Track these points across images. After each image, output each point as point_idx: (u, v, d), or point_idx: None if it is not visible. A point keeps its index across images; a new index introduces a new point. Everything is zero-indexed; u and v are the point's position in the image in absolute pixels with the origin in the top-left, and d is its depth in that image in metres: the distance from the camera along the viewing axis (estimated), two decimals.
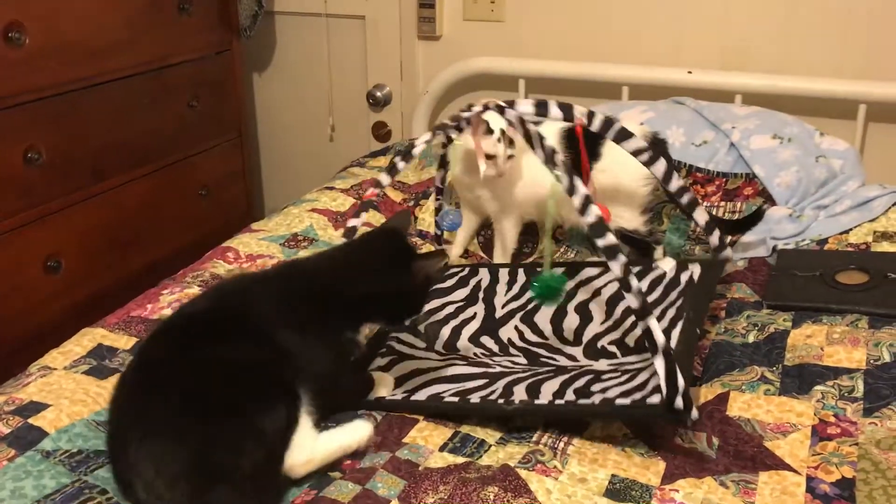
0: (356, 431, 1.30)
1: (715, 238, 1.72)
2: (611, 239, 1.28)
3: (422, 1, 2.71)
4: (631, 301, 1.27)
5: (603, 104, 2.41)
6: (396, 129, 2.92)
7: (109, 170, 2.29)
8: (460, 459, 1.30)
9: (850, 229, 1.93)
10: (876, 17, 2.24)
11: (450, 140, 1.64)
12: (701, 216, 1.69)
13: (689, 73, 2.38)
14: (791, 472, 1.27)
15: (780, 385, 1.46)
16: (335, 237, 2.00)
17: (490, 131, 1.73)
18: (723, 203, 2.09)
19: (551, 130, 1.83)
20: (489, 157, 1.75)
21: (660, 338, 1.25)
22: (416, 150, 1.60)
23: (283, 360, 1.23)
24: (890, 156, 2.31)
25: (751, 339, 1.61)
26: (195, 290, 1.72)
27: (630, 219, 1.87)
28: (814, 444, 1.32)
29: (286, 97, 3.07)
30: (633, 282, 1.26)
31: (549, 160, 1.38)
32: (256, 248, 1.91)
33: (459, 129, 1.63)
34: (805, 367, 1.50)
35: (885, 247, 1.86)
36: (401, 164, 1.60)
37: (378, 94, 2.88)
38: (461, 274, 1.84)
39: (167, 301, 1.69)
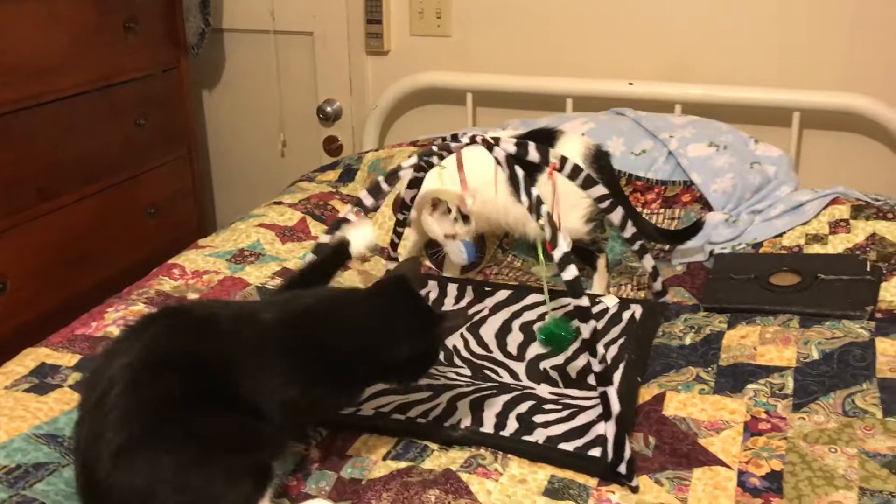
0: None
1: (658, 284, 1.80)
2: (584, 301, 1.30)
3: (369, 17, 2.74)
4: (594, 365, 1.29)
5: (548, 116, 2.46)
6: (347, 143, 2.94)
7: (56, 189, 2.28)
8: (403, 464, 1.33)
9: (784, 233, 2.00)
10: (809, 28, 2.33)
11: (430, 164, 1.65)
12: (648, 262, 1.77)
13: (631, 84, 2.44)
14: (723, 467, 1.31)
15: (714, 384, 1.51)
16: (282, 252, 2.01)
17: (448, 210, 1.78)
18: (662, 210, 2.14)
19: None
20: (448, 236, 1.81)
21: (615, 407, 1.29)
22: (403, 174, 1.61)
23: (264, 425, 1.17)
24: (823, 161, 2.39)
25: (688, 341, 1.66)
26: (140, 308, 1.73)
27: (574, 228, 1.91)
28: (745, 440, 1.37)
29: (236, 114, 3.07)
30: (600, 349, 1.29)
31: (535, 209, 1.38)
32: (203, 264, 1.92)
33: (441, 157, 1.63)
34: (738, 366, 1.55)
35: (817, 249, 1.93)
36: (385, 186, 1.60)
37: (328, 109, 2.90)
38: None
39: (112, 318, 1.69)
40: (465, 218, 1.83)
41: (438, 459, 1.34)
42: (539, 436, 1.36)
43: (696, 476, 1.30)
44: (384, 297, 1.31)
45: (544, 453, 1.33)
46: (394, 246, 1.90)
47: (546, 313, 1.63)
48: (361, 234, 1.47)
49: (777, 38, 2.36)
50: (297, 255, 2.00)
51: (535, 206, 1.39)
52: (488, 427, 1.38)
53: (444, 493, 1.23)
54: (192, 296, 1.79)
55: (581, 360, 1.59)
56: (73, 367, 1.54)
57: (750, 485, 1.27)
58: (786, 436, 1.36)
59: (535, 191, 1.41)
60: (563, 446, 1.34)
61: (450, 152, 1.61)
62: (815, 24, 2.32)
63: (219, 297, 1.78)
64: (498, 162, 1.50)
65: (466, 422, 1.39)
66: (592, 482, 1.29)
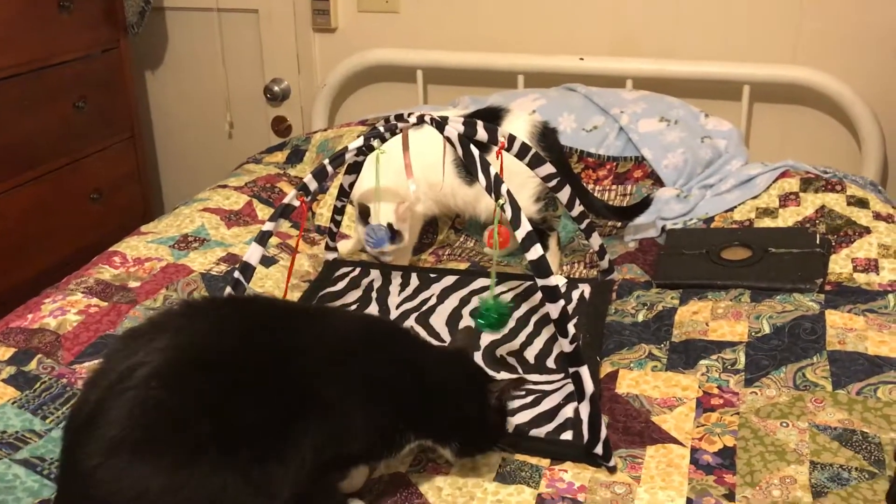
0: None
1: (605, 262, 1.79)
2: (552, 281, 1.25)
3: None
4: (565, 346, 1.26)
5: (499, 93, 2.42)
6: (297, 123, 2.88)
7: None
8: None
9: (735, 207, 2.00)
10: (759, 1, 2.32)
11: (370, 148, 1.58)
12: (595, 241, 1.75)
13: (581, 59, 2.42)
14: (676, 444, 1.30)
15: (667, 361, 1.50)
16: (228, 237, 1.95)
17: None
18: (614, 186, 2.13)
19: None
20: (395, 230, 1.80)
21: (589, 386, 1.25)
22: (349, 156, 1.56)
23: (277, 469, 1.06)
24: (773, 134, 2.40)
25: (640, 318, 1.65)
26: (78, 297, 1.66)
27: (523, 207, 1.88)
28: (698, 416, 1.36)
29: (181, 95, 2.99)
30: (571, 328, 1.25)
31: (495, 188, 1.34)
32: (145, 251, 1.86)
33: (384, 139, 1.57)
34: (691, 342, 1.55)
35: (767, 222, 1.93)
36: (330, 169, 1.55)
37: (276, 88, 2.83)
38: (352, 275, 1.83)
39: (49, 310, 1.62)
40: (395, 235, 1.81)
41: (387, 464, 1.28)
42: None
43: (650, 454, 1.29)
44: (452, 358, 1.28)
45: (517, 443, 1.30)
46: (331, 235, 1.85)
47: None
48: None
49: (727, 12, 2.35)
50: (244, 240, 1.94)
51: (494, 186, 1.34)
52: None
53: None
54: (134, 284, 1.73)
55: (537, 344, 1.57)
56: (7, 360, 1.48)
57: (703, 462, 1.26)
58: (738, 411, 1.36)
59: (492, 170, 1.37)
60: (533, 433, 1.32)
61: (395, 133, 1.56)
62: None
63: (160, 284, 1.73)
64: (450, 142, 1.46)
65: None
66: (544, 462, 1.27)
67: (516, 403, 1.39)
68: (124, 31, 2.65)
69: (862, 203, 1.91)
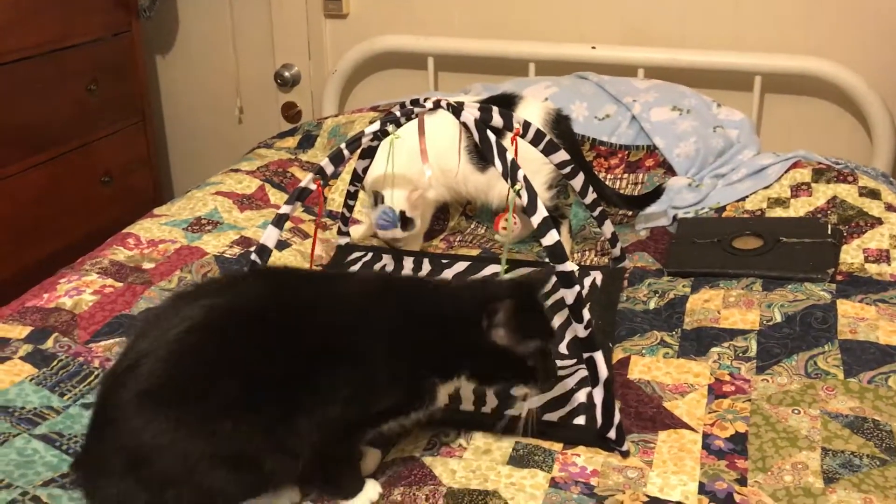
0: None
1: (617, 250, 1.80)
2: (568, 266, 1.26)
3: None
4: (579, 331, 1.26)
5: (510, 80, 2.42)
6: (307, 109, 2.88)
7: (2, 159, 2.19)
8: None
9: (746, 196, 2.00)
10: None
11: (385, 133, 1.59)
12: (608, 228, 1.76)
13: (593, 48, 2.41)
14: (688, 430, 1.31)
15: (678, 348, 1.51)
16: (240, 220, 1.96)
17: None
18: (626, 175, 2.13)
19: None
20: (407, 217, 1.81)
21: (603, 371, 1.26)
22: (365, 140, 1.57)
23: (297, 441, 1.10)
24: (784, 124, 2.40)
25: (652, 305, 1.66)
26: (94, 278, 1.67)
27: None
28: (710, 403, 1.37)
29: (191, 79, 2.99)
30: (586, 314, 1.26)
31: (511, 174, 1.34)
32: (158, 233, 1.87)
33: (399, 124, 1.58)
34: (702, 330, 1.55)
35: (779, 212, 1.93)
36: (346, 153, 1.55)
37: (286, 73, 2.84)
38: (364, 259, 1.83)
39: (64, 290, 1.63)
40: (408, 222, 1.81)
41: (401, 445, 1.30)
42: (520, 409, 1.33)
43: (662, 439, 1.29)
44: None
45: (530, 427, 1.29)
46: (344, 220, 1.85)
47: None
48: None
49: (739, 2, 2.34)
50: (256, 224, 1.95)
51: (510, 172, 1.35)
52: (468, 405, 1.34)
53: (407, 487, 1.19)
54: (148, 266, 1.74)
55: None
56: (24, 339, 1.49)
57: (715, 447, 1.27)
58: (750, 398, 1.37)
59: (509, 155, 1.37)
60: (546, 417, 1.32)
61: (410, 118, 1.57)
62: None
63: (175, 266, 1.74)
64: (466, 127, 1.46)
65: (444, 400, 1.33)
66: (557, 446, 1.28)
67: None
68: (136, 14, 2.66)
69: (874, 194, 1.92)
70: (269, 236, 1.48)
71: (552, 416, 1.33)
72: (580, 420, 1.31)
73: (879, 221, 1.83)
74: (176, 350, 1.06)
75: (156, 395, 1.03)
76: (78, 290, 1.63)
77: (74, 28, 2.41)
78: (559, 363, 1.47)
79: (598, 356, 1.26)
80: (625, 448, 1.26)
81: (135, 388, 1.04)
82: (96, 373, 1.42)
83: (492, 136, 1.40)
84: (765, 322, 1.55)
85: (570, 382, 1.38)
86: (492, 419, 1.32)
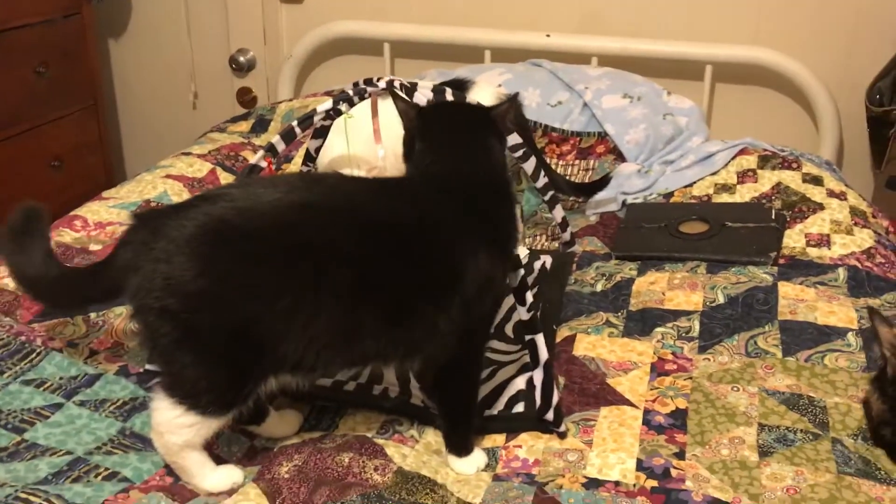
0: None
1: (567, 234, 1.81)
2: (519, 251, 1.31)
3: None
4: (522, 314, 1.29)
5: (465, 67, 2.43)
6: (262, 94, 2.86)
7: None
8: (316, 434, 1.29)
9: (694, 182, 2.03)
10: None
11: (338, 112, 1.58)
12: (558, 213, 1.77)
13: (548, 36, 2.43)
14: (630, 406, 1.33)
15: (623, 328, 1.54)
16: None
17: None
18: (577, 161, 2.16)
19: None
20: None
21: (543, 353, 1.28)
22: (317, 119, 1.56)
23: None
24: (734, 114, 2.44)
25: (599, 287, 1.68)
26: None
27: None
28: (652, 380, 1.40)
29: (145, 64, 2.95)
30: (529, 297, 1.28)
31: None
32: (106, 215, 1.85)
33: (352, 103, 1.57)
34: (647, 311, 1.58)
35: (725, 198, 1.97)
36: (298, 131, 1.55)
37: (241, 59, 2.81)
38: None
39: (3, 273, 1.60)
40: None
41: (352, 420, 1.31)
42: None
43: (603, 414, 1.32)
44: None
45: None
46: None
47: None
48: None
49: None
50: None
51: None
52: (417, 399, 1.34)
53: (358, 455, 1.20)
54: (95, 248, 1.72)
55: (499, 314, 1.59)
56: None
57: (655, 423, 1.30)
58: (691, 376, 1.40)
59: None
60: (487, 413, 1.32)
61: (363, 97, 1.57)
62: None
63: None
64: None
65: (395, 390, 1.35)
66: (500, 441, 1.28)
67: None
68: None
69: (816, 181, 1.96)
70: None
71: (492, 410, 1.33)
72: (519, 408, 1.32)
73: (821, 207, 1.87)
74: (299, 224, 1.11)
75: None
76: None
77: (22, 8, 2.37)
78: (503, 347, 1.48)
79: (539, 339, 1.29)
80: (562, 429, 1.27)
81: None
82: (38, 350, 1.41)
83: None
84: (708, 303, 1.59)
85: (512, 370, 1.39)
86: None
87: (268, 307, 1.08)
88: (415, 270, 1.14)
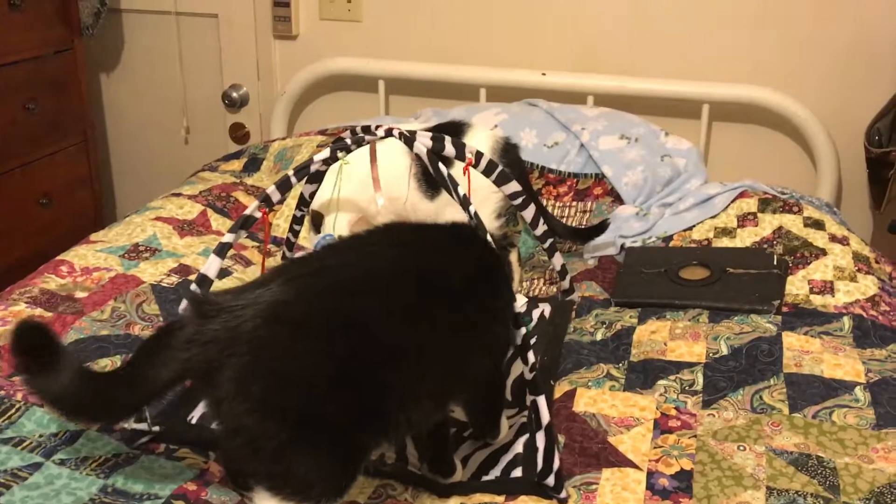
0: None
1: (566, 282, 1.78)
2: (516, 307, 1.28)
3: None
4: (525, 373, 1.26)
5: (460, 106, 2.41)
6: (255, 130, 2.83)
7: None
8: None
9: (693, 226, 2.00)
10: (716, 21, 2.34)
11: (334, 160, 1.56)
12: (557, 261, 1.74)
13: (543, 74, 2.41)
14: (633, 468, 1.29)
15: (625, 381, 1.49)
16: (180, 247, 1.90)
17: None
18: (574, 203, 2.12)
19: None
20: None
21: (545, 416, 1.25)
22: (314, 168, 1.53)
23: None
24: (731, 153, 2.42)
25: (599, 336, 1.64)
26: (22, 308, 1.60)
27: (485, 223, 1.87)
28: (655, 437, 1.35)
29: (137, 99, 2.92)
30: (531, 357, 1.25)
31: (464, 208, 1.37)
32: (93, 260, 1.80)
33: (349, 151, 1.55)
34: (649, 362, 1.54)
35: (725, 242, 1.94)
36: (294, 181, 1.52)
37: (234, 94, 2.79)
38: None
39: None
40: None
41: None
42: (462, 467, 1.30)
43: (605, 477, 1.27)
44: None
45: (471, 488, 1.26)
46: (289, 245, 1.81)
47: None
48: None
49: (688, 31, 2.37)
50: (197, 251, 1.89)
51: (463, 205, 1.35)
52: (413, 468, 1.29)
53: None
54: (81, 294, 1.67)
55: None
56: None
57: (659, 486, 1.25)
58: (695, 433, 1.35)
59: (461, 189, 1.37)
60: (485, 478, 1.28)
61: (361, 145, 1.54)
62: (721, 17, 2.33)
63: (108, 296, 1.67)
64: (419, 157, 1.44)
65: (391, 455, 1.31)
66: (500, 499, 1.24)
67: (472, 443, 1.35)
68: (79, 32, 2.59)
69: (818, 225, 1.93)
70: (211, 266, 1.43)
71: (489, 476, 1.29)
72: (517, 472, 1.28)
73: (824, 252, 1.84)
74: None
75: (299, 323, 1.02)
76: (4, 321, 1.55)
77: (13, 44, 2.33)
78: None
79: (541, 400, 1.25)
80: (563, 495, 1.23)
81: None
82: (17, 405, 1.35)
83: (444, 169, 1.39)
84: (711, 355, 1.55)
85: (511, 434, 1.35)
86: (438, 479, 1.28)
87: (375, 378, 1.04)
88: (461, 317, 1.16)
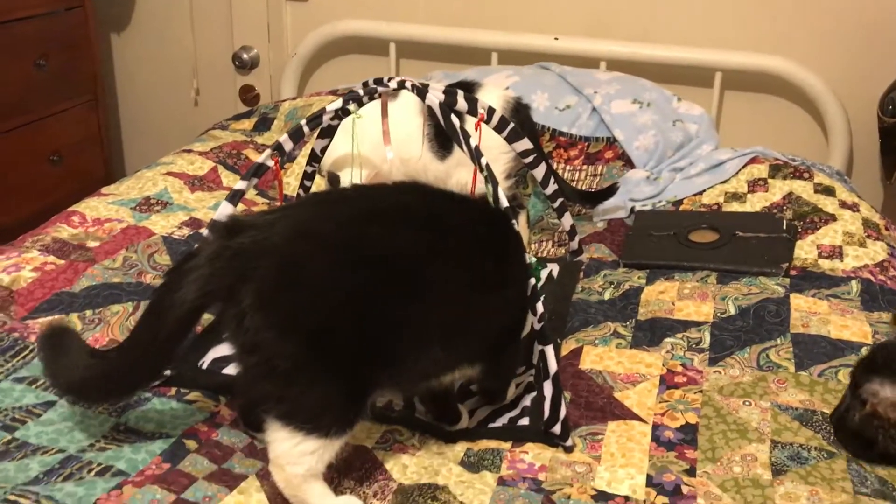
0: None
1: (575, 243, 1.78)
2: (526, 259, 1.28)
3: None
4: (534, 324, 1.26)
5: (472, 69, 2.40)
6: (265, 92, 2.83)
7: None
8: None
9: (704, 191, 2.00)
10: None
11: (346, 112, 1.55)
12: (567, 221, 1.74)
13: (556, 39, 2.40)
14: (638, 420, 1.30)
15: (631, 339, 1.50)
16: (191, 201, 1.91)
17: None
18: (585, 166, 2.12)
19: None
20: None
21: (552, 366, 1.25)
22: (326, 118, 1.52)
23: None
24: (743, 121, 2.41)
25: (607, 296, 1.65)
26: (34, 255, 1.61)
27: None
28: (661, 393, 1.36)
29: (147, 58, 2.92)
30: (539, 307, 1.25)
31: (476, 162, 1.35)
32: (105, 211, 1.81)
33: (361, 103, 1.54)
34: (657, 321, 1.54)
35: (735, 207, 1.94)
36: (306, 130, 1.52)
37: (244, 56, 2.78)
38: None
39: (2, 267, 1.57)
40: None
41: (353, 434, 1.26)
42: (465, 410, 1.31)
43: (611, 429, 1.28)
44: None
45: (478, 434, 1.28)
46: None
47: None
48: None
49: None
50: (207, 205, 1.90)
51: (475, 158, 1.34)
52: (420, 414, 1.30)
53: (357, 484, 1.16)
54: (92, 244, 1.68)
55: None
56: None
57: (664, 438, 1.26)
58: (701, 389, 1.36)
59: (473, 142, 1.36)
60: (492, 426, 1.29)
61: (373, 98, 1.53)
62: None
63: (120, 245, 1.68)
64: (431, 117, 1.44)
65: (399, 402, 1.32)
66: (506, 445, 1.25)
67: (476, 402, 1.36)
68: None
69: (828, 191, 1.93)
70: (223, 212, 1.44)
71: (497, 424, 1.30)
72: (524, 422, 1.29)
73: (833, 218, 1.84)
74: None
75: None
76: (17, 267, 1.57)
77: (22, 0, 2.33)
78: None
79: (549, 350, 1.25)
80: (569, 443, 1.24)
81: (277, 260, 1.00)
82: (31, 347, 1.37)
83: (456, 122, 1.38)
84: (719, 314, 1.55)
85: (519, 389, 1.36)
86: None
87: (393, 312, 1.05)
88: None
